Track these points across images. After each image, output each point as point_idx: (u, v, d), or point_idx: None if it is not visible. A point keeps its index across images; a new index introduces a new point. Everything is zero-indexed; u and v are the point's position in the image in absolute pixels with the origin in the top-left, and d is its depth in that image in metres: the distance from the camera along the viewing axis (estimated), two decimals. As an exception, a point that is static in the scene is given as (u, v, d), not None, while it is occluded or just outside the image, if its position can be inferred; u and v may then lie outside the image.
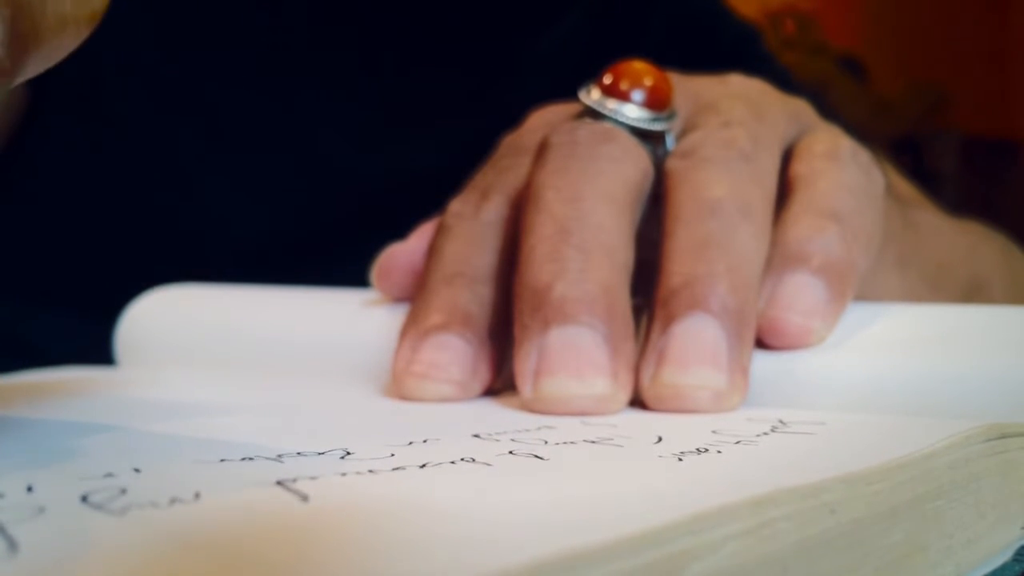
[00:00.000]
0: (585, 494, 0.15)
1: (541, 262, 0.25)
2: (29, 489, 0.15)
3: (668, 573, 0.12)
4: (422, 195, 0.36)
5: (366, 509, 0.14)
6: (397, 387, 0.27)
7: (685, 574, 0.12)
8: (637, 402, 0.25)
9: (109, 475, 0.16)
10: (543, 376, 0.24)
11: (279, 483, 0.15)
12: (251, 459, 0.17)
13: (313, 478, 0.16)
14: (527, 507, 0.14)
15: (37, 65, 0.16)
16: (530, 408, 0.24)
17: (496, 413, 0.24)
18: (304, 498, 0.14)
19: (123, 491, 0.15)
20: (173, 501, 0.14)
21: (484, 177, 0.30)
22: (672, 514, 0.12)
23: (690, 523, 0.12)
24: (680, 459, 0.18)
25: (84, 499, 0.14)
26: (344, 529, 0.13)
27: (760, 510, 0.13)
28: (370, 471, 0.16)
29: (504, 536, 0.12)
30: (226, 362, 0.33)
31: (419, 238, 0.30)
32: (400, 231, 0.31)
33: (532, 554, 0.11)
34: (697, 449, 0.18)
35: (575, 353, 0.24)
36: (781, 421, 0.21)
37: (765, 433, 0.19)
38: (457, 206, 0.29)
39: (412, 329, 0.27)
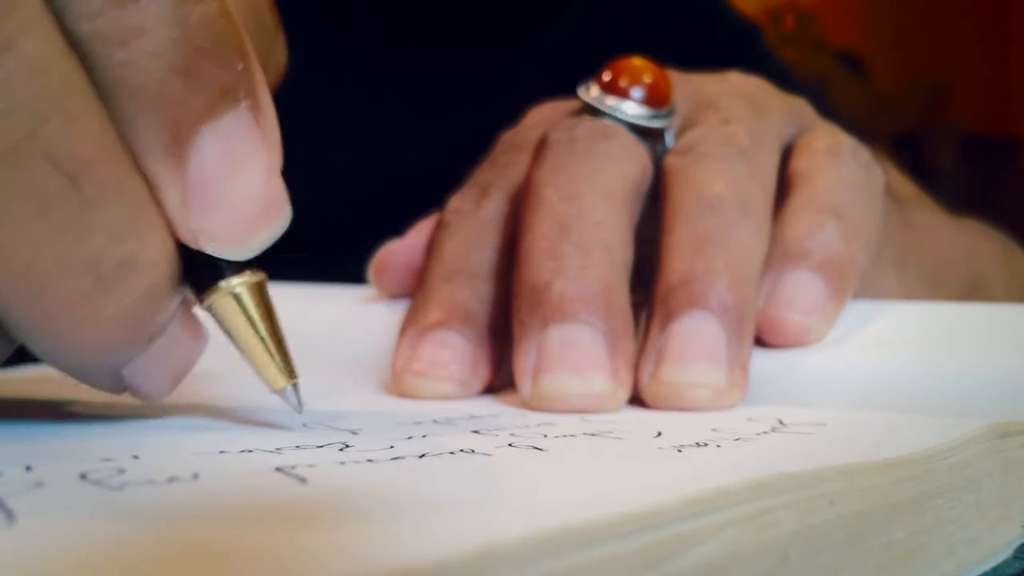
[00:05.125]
0: (584, 478, 0.15)
1: (540, 260, 0.25)
2: (28, 468, 0.15)
3: (668, 556, 0.12)
4: (420, 192, 0.36)
5: (362, 491, 0.14)
6: (397, 385, 0.27)
7: (685, 558, 0.12)
8: (637, 400, 0.25)
9: (107, 459, 0.16)
10: (542, 374, 0.24)
11: (278, 469, 0.15)
12: (250, 451, 0.17)
13: (311, 466, 0.16)
14: (525, 488, 0.14)
15: None
16: (530, 406, 0.24)
17: (496, 410, 0.24)
18: (302, 480, 0.14)
19: (121, 471, 0.15)
20: (172, 480, 0.14)
21: (483, 174, 0.30)
22: (671, 496, 0.12)
23: (689, 505, 0.12)
24: (680, 451, 0.18)
25: (82, 476, 0.14)
26: (340, 508, 0.12)
27: (759, 494, 0.13)
28: (369, 460, 0.16)
29: (500, 515, 0.12)
30: (222, 359, 0.32)
31: (416, 235, 0.30)
32: (398, 228, 0.31)
33: (529, 530, 0.11)
34: (697, 443, 0.18)
35: (574, 351, 0.24)
36: (781, 421, 0.21)
37: (764, 432, 0.19)
38: (457, 202, 0.29)
39: (412, 326, 0.27)
